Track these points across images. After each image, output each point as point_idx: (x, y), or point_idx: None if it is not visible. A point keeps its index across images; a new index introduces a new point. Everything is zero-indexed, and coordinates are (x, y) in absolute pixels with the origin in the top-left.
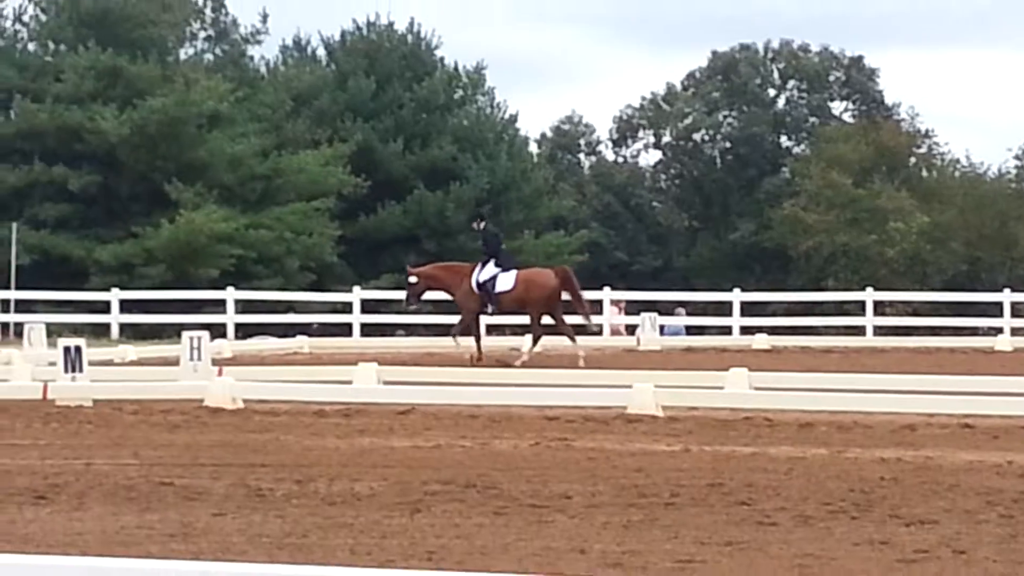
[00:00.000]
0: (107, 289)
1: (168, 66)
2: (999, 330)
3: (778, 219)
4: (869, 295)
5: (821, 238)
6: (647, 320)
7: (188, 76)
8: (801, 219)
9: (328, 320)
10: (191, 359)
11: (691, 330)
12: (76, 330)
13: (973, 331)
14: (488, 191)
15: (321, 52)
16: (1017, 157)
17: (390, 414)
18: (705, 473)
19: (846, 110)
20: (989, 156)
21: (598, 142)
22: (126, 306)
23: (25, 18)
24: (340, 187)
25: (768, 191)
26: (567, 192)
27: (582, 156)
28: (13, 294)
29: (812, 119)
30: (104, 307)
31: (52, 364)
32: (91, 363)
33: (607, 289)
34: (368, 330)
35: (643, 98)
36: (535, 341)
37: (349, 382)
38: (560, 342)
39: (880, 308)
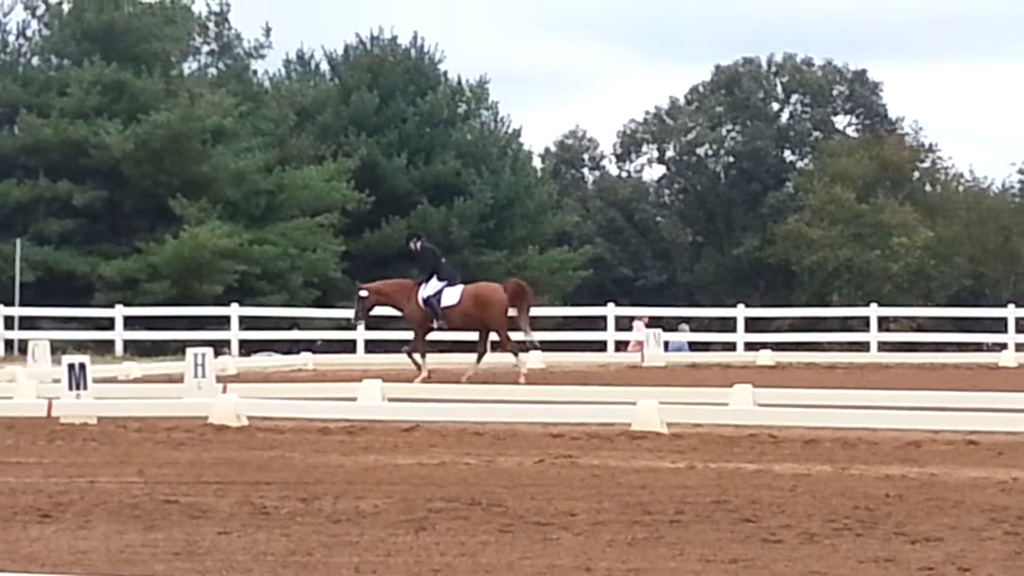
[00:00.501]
0: (111, 305)
1: (172, 81)
2: (1003, 346)
3: (782, 234)
4: (873, 311)
5: (825, 253)
6: (651, 336)
7: (192, 91)
8: (805, 234)
9: (332, 337)
10: (195, 376)
11: (695, 346)
12: (80, 347)
13: (977, 347)
14: (492, 206)
15: (324, 66)
16: (1021, 171)
17: (394, 431)
18: (710, 490)
19: (850, 124)
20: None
21: (602, 157)
22: (130, 323)
23: (28, 33)
24: (344, 202)
25: (772, 206)
26: (571, 207)
27: (586, 171)
28: (17, 311)
29: (815, 133)
30: (108, 324)
31: (56, 381)
32: (95, 380)
33: (611, 305)
34: (372, 347)
35: (647, 112)
36: (480, 357)
37: (353, 399)
38: (564, 359)
39: (884, 324)
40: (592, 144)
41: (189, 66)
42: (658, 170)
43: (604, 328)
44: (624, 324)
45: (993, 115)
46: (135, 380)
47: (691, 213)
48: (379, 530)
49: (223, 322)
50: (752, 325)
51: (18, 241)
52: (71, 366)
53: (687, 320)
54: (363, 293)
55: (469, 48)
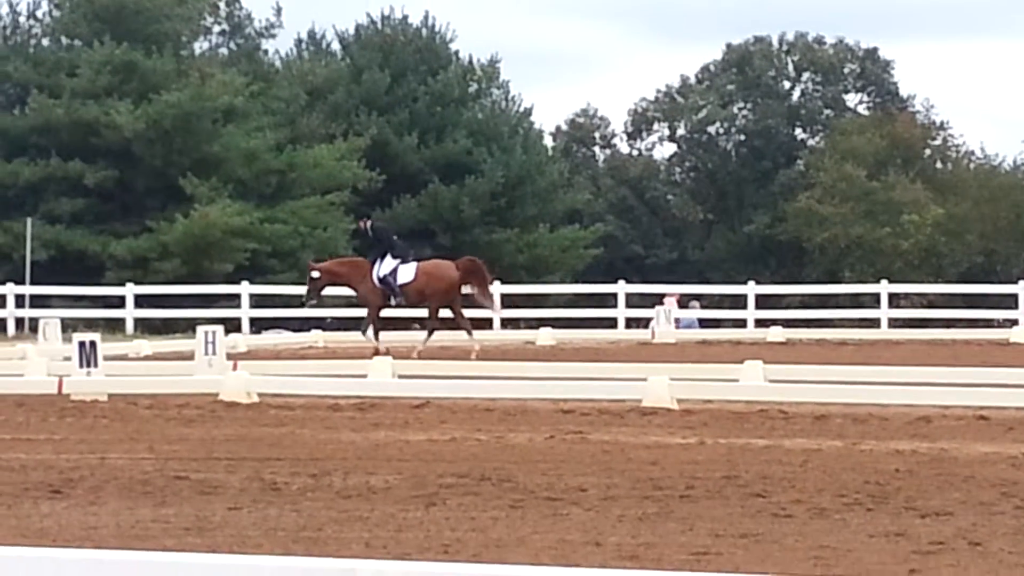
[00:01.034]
0: (122, 284)
1: (183, 60)
2: (1014, 322)
3: (793, 212)
4: (884, 287)
5: (836, 230)
6: (661, 313)
7: (203, 70)
8: (816, 211)
9: (343, 314)
10: (206, 353)
11: (706, 323)
12: (91, 325)
13: (988, 323)
14: (503, 185)
15: (336, 46)
16: None
17: (405, 408)
18: (720, 465)
19: (861, 102)
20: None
21: (613, 135)
22: (141, 301)
23: (39, 14)
24: (355, 181)
25: (783, 184)
26: (582, 185)
27: (597, 149)
28: (28, 289)
29: (827, 111)
30: (119, 302)
31: (67, 359)
32: (106, 358)
33: (621, 283)
34: (383, 324)
35: (658, 91)
36: (430, 333)
37: (364, 376)
38: (574, 336)
39: (895, 300)
40: (603, 122)
41: (200, 46)
42: (669, 148)
43: (615, 306)
44: (634, 301)
45: (1005, 93)
46: (146, 358)
47: (702, 191)
48: (389, 506)
49: (234, 300)
50: (763, 302)
51: (29, 220)
52: (82, 344)
53: (698, 297)
54: (315, 273)
55: (480, 27)
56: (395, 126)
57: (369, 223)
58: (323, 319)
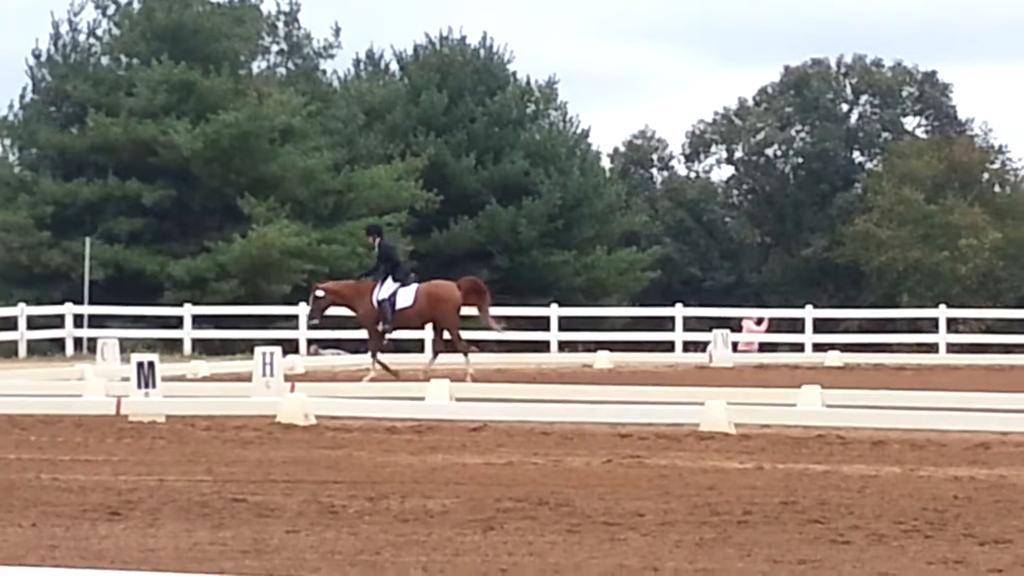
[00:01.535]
0: (180, 304)
1: (241, 80)
2: None
3: (850, 235)
4: (942, 312)
5: (893, 254)
6: (719, 337)
7: (261, 90)
8: (873, 235)
9: (400, 336)
10: (263, 375)
11: (763, 347)
12: (149, 345)
13: None
14: (560, 206)
15: (394, 66)
16: None
17: (462, 431)
18: (778, 491)
19: (919, 125)
20: None
21: (671, 157)
22: (198, 321)
23: (99, 32)
24: (412, 202)
25: (840, 207)
26: (639, 207)
27: (654, 171)
28: (87, 309)
29: (885, 134)
30: (177, 322)
31: (125, 379)
32: (164, 379)
33: (679, 306)
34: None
35: (715, 113)
36: (437, 354)
37: (422, 398)
38: (632, 359)
39: (953, 325)
40: (661, 144)
41: (258, 65)
42: (727, 171)
43: (672, 329)
44: (692, 324)
45: None
46: (203, 379)
47: (759, 214)
48: (447, 529)
49: (291, 321)
50: (820, 326)
51: (87, 240)
52: (140, 364)
53: (757, 321)
54: (319, 293)
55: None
56: (453, 147)
57: (378, 239)
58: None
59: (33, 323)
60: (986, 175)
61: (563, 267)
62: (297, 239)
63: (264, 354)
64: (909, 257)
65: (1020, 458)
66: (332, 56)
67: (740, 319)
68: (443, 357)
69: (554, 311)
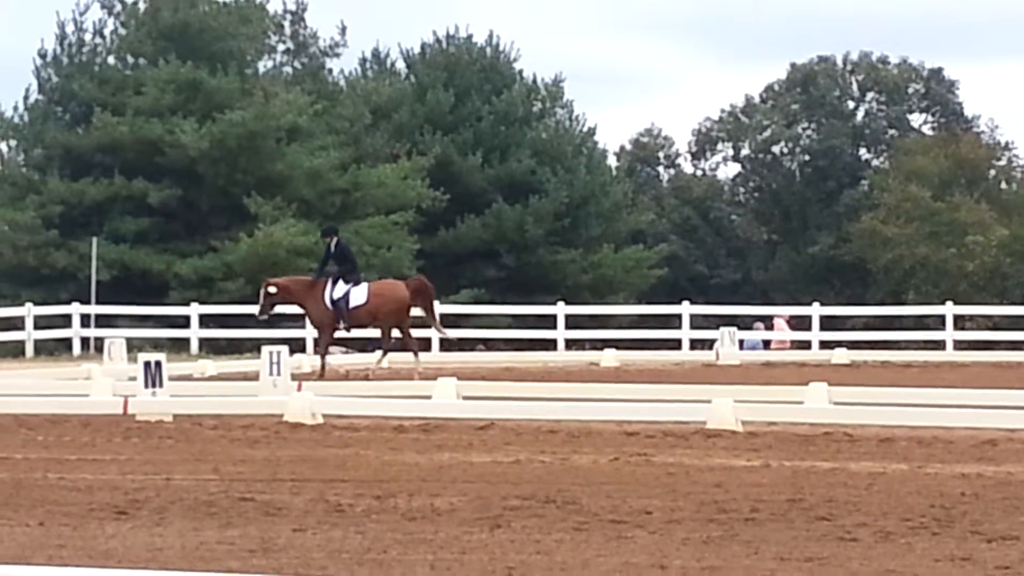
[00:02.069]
0: (187, 304)
1: (247, 79)
2: None
3: (857, 232)
4: (949, 309)
5: (900, 251)
6: (726, 334)
7: (267, 89)
8: (880, 232)
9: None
10: (270, 374)
11: (769, 345)
12: (156, 345)
13: None
14: (567, 204)
15: (400, 65)
16: None
17: (469, 429)
18: (785, 488)
19: (925, 122)
20: None
21: (677, 155)
22: (205, 321)
23: (105, 32)
24: (419, 200)
25: (847, 204)
26: (646, 205)
27: (661, 169)
28: (93, 309)
29: (891, 131)
30: (184, 322)
31: (132, 379)
32: (171, 378)
33: (686, 303)
34: (447, 345)
35: (722, 111)
36: (385, 353)
37: (428, 397)
38: (638, 357)
39: (960, 322)
40: (667, 142)
41: (264, 65)
42: (733, 168)
43: (679, 326)
44: (699, 322)
45: None
46: (210, 378)
47: (766, 211)
48: (454, 528)
49: (298, 320)
50: (827, 323)
51: (94, 239)
52: (147, 364)
53: (762, 318)
54: (272, 289)
55: (544, 47)
56: (459, 145)
57: (335, 240)
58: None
59: (40, 323)
60: (992, 172)
61: (570, 265)
62: (304, 238)
63: (271, 353)
64: (916, 254)
65: None
66: (338, 55)
67: (772, 317)
68: (447, 356)
69: (561, 309)
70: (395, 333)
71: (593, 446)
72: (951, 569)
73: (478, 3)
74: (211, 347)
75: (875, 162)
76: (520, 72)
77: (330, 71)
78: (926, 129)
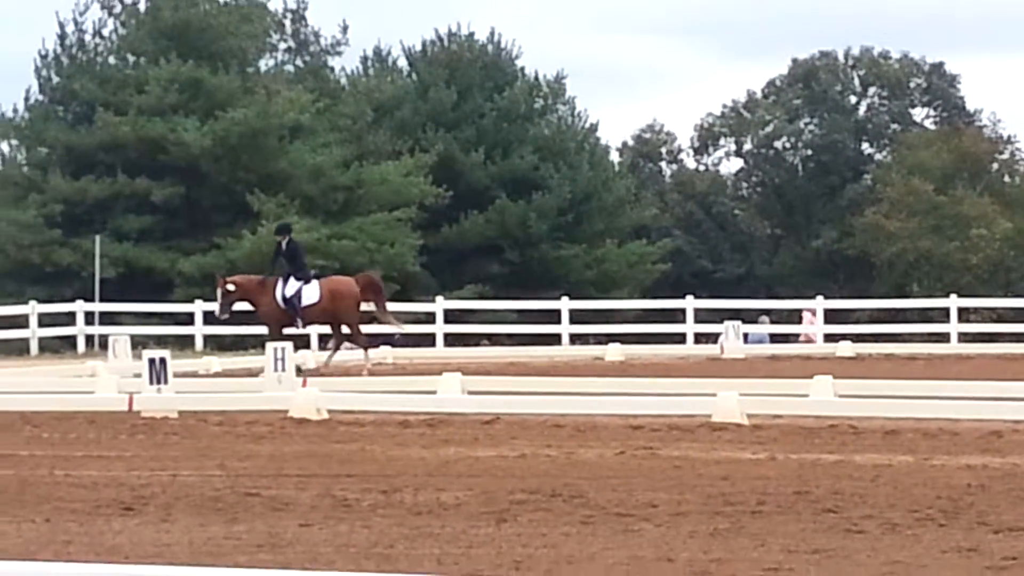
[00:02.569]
0: (191, 300)
1: (249, 77)
2: None
3: (860, 226)
4: (953, 302)
5: (904, 245)
6: (730, 328)
7: (269, 87)
8: (883, 226)
9: (411, 331)
10: (275, 370)
11: (775, 338)
12: (160, 341)
13: None
14: (570, 200)
15: (402, 62)
16: None
17: (475, 424)
18: (791, 481)
19: (927, 117)
20: None
21: (679, 150)
22: (210, 317)
23: (105, 32)
24: (422, 197)
25: (850, 198)
26: (649, 201)
27: (664, 164)
28: (97, 306)
29: (893, 126)
30: (188, 319)
31: (137, 376)
32: (176, 375)
33: (690, 298)
34: (452, 340)
35: (724, 106)
36: (336, 349)
37: (433, 392)
38: (643, 351)
39: (964, 315)
40: (670, 138)
41: (266, 63)
42: (736, 163)
43: (683, 321)
44: (703, 316)
45: None
46: (215, 374)
47: (769, 206)
48: (460, 522)
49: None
50: (831, 317)
51: (97, 237)
52: (152, 361)
53: (767, 312)
54: (230, 287)
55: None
56: (462, 142)
57: (287, 238)
58: (391, 335)
59: (44, 321)
60: (995, 165)
61: (573, 260)
62: (307, 235)
63: (276, 349)
64: (919, 248)
65: None
66: (340, 53)
67: (800, 311)
68: (452, 351)
69: (565, 304)
70: (344, 329)
71: (599, 440)
72: (958, 560)
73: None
74: (215, 343)
75: (878, 156)
76: (522, 69)
77: (332, 69)
78: (928, 123)
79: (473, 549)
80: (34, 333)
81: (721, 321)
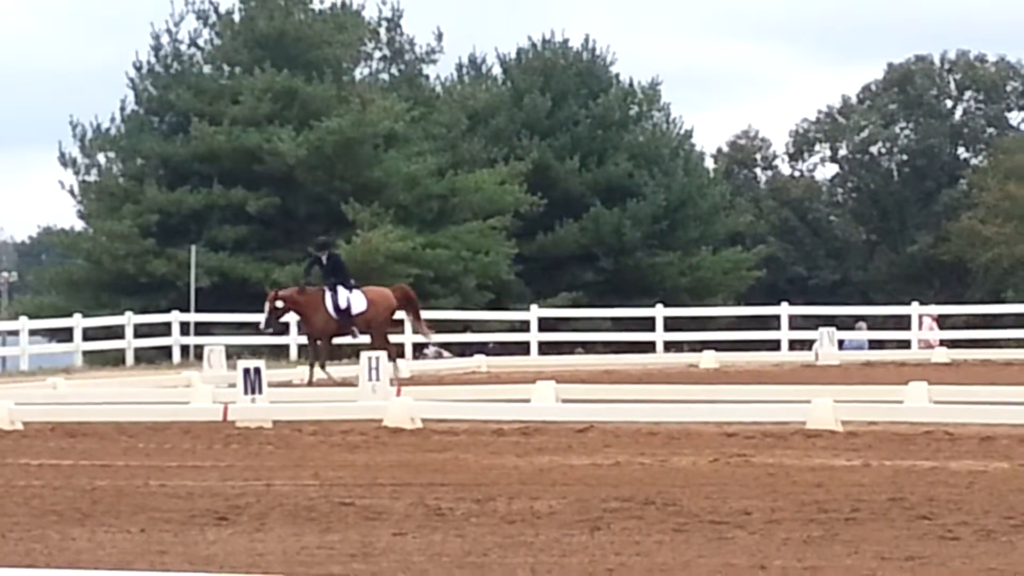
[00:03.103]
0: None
1: (343, 86)
2: None
3: (956, 232)
4: None
5: (1000, 250)
6: (825, 335)
7: (364, 96)
8: (979, 231)
9: (506, 339)
10: (369, 379)
11: (873, 344)
12: (255, 352)
13: None
14: (664, 207)
15: (497, 70)
16: None
17: (568, 432)
18: (885, 488)
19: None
20: None
21: (774, 156)
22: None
23: (200, 42)
24: (516, 205)
25: (946, 203)
26: (744, 207)
27: (758, 171)
28: (193, 316)
29: (989, 130)
30: (283, 328)
31: (232, 386)
32: (270, 384)
33: (784, 304)
34: (546, 348)
35: (819, 111)
36: (391, 357)
37: (527, 400)
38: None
39: None
40: (764, 144)
41: (361, 72)
42: (831, 169)
43: (778, 327)
44: (797, 323)
45: None
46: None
47: (864, 211)
48: (554, 530)
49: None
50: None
51: (193, 248)
52: (246, 371)
53: (863, 318)
54: (279, 303)
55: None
56: (556, 150)
57: (327, 255)
58: (486, 344)
59: (140, 331)
60: None
61: (668, 268)
62: (402, 244)
63: (370, 359)
64: (1015, 253)
65: None
66: (435, 61)
67: (920, 316)
68: (547, 359)
69: (659, 312)
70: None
71: (693, 447)
72: None
73: (573, 7)
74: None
75: (973, 161)
76: (616, 76)
77: (426, 77)
78: None
79: (566, 557)
80: (130, 344)
81: (816, 327)
